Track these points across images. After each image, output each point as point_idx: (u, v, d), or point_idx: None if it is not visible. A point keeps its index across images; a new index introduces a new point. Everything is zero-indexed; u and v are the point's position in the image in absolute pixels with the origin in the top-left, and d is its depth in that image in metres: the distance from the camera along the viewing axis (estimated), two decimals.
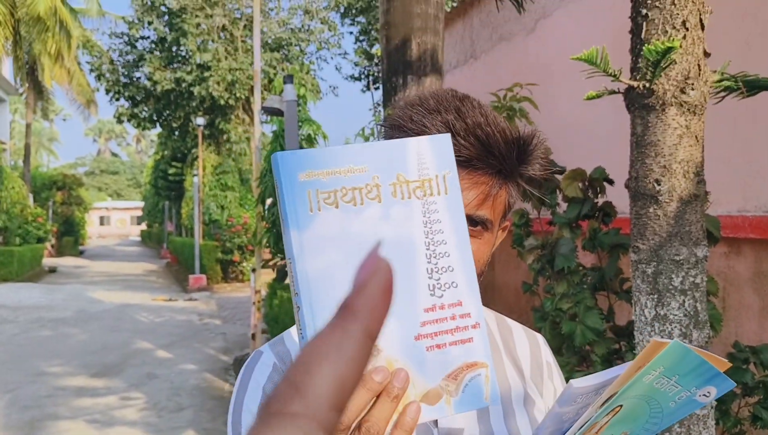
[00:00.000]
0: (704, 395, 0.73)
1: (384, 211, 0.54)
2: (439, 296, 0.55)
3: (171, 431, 5.41)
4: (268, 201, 7.45)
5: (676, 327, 1.96)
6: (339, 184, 0.53)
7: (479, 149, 0.76)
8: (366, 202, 0.54)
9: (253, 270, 7.74)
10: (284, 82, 5.10)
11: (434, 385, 0.54)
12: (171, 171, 26.62)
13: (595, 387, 0.66)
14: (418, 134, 0.75)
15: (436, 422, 0.86)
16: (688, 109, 1.92)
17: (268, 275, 8.70)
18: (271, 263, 8.05)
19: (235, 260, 17.94)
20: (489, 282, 5.75)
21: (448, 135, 0.59)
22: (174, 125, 22.74)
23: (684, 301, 1.95)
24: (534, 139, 0.82)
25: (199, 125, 18.15)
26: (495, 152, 0.77)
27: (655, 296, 1.97)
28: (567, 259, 2.40)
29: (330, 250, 0.52)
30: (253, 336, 7.89)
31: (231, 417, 0.83)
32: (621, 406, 0.70)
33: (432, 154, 0.57)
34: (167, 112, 21.91)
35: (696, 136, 1.95)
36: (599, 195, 2.72)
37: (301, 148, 6.05)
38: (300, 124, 6.66)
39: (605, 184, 2.70)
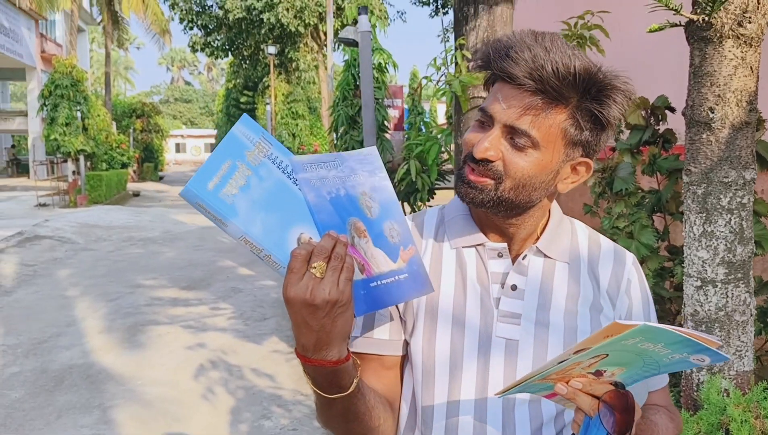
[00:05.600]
0: (698, 359, 0.75)
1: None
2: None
3: (257, 337, 5.99)
4: (341, 129, 7.75)
5: (721, 242, 2.15)
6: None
7: (524, 70, 0.87)
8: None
9: None
10: (358, 13, 5.27)
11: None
12: (243, 99, 27.25)
13: (316, 160, 0.88)
14: (498, 67, 0.91)
15: (497, 304, 1.01)
16: (745, 42, 2.05)
17: None
18: None
19: None
20: None
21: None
22: (245, 54, 23.16)
23: (730, 219, 2.13)
24: (598, 76, 0.88)
25: (270, 54, 18.46)
26: (536, 75, 0.87)
27: (704, 215, 2.17)
28: (625, 182, 2.59)
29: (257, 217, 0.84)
30: None
31: None
32: (607, 354, 0.76)
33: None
34: (238, 40, 22.31)
35: (751, 67, 2.08)
36: (661, 122, 2.87)
37: (373, 78, 6.18)
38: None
39: (667, 112, 2.84)
